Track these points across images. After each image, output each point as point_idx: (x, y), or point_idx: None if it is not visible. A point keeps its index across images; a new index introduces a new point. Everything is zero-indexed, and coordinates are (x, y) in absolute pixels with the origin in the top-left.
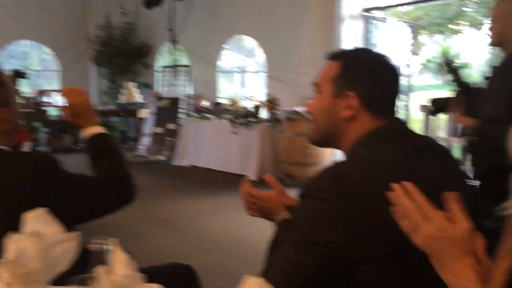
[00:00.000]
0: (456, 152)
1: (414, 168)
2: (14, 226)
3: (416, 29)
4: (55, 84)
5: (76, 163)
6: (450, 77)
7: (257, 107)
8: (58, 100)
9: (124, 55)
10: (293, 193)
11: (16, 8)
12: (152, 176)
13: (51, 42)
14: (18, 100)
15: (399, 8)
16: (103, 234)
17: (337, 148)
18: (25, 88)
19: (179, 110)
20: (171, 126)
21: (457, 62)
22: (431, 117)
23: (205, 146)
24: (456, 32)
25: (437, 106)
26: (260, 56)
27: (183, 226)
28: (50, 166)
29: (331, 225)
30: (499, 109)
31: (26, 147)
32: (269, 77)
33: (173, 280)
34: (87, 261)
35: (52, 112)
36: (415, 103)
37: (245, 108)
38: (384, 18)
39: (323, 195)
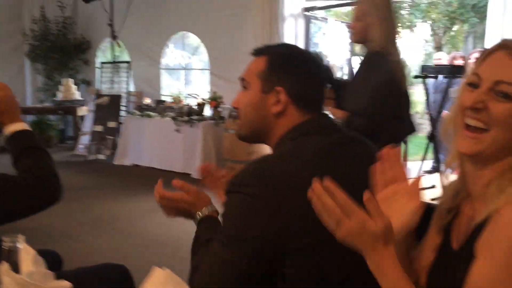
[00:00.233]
0: None
1: (335, 160)
2: None
3: None
4: None
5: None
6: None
7: (201, 105)
8: None
9: (62, 51)
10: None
11: None
12: (92, 176)
13: None
14: None
15: (341, 9)
16: (36, 236)
17: (265, 143)
18: None
19: (121, 107)
20: (112, 124)
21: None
22: None
23: (147, 144)
24: None
25: None
26: (204, 54)
27: (123, 226)
28: None
29: (257, 220)
30: (362, 102)
31: None
32: (212, 75)
33: (105, 281)
34: None
35: None
36: None
37: (188, 106)
38: (325, 18)
39: (247, 190)
